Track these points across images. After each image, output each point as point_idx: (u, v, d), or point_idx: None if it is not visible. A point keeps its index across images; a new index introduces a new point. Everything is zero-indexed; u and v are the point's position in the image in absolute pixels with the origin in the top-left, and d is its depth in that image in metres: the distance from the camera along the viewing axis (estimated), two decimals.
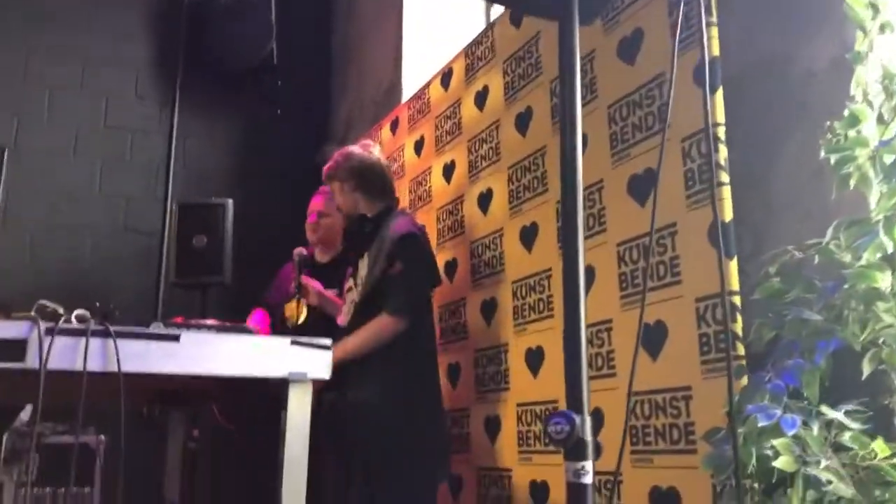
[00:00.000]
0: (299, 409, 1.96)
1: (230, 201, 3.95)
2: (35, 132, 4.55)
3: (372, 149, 3.05)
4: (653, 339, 2.10)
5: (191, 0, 4.86)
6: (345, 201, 2.96)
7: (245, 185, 4.79)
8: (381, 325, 2.68)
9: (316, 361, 1.95)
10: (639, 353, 2.08)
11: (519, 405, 2.68)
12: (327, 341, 1.97)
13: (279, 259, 3.42)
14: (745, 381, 1.69)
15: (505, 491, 2.70)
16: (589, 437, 1.04)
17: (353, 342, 2.69)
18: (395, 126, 3.99)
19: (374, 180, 2.93)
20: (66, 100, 4.64)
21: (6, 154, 4.41)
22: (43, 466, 3.65)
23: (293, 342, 1.95)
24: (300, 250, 3.16)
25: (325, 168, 3.01)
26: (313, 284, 3.10)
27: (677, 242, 2.09)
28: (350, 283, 2.95)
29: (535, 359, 2.62)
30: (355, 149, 3.03)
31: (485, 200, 3.06)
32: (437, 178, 3.45)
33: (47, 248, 4.45)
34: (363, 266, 2.86)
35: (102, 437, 3.87)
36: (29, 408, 3.65)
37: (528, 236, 2.76)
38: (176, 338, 1.79)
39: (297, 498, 1.93)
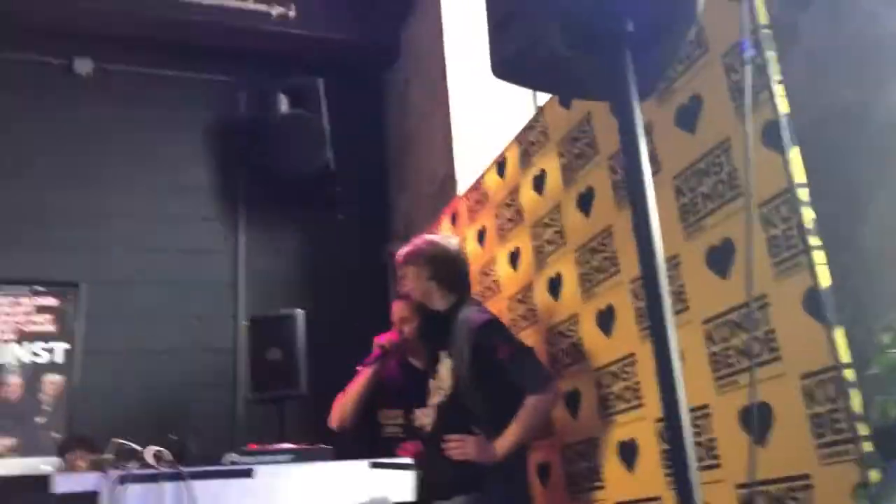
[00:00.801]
0: None
1: (301, 311, 3.94)
2: (108, 262, 4.66)
3: (451, 239, 3.01)
4: (757, 423, 1.92)
5: (246, 118, 4.99)
6: (417, 287, 2.85)
7: (314, 293, 4.79)
8: (535, 405, 2.49)
9: (398, 483, 1.85)
10: (746, 439, 1.90)
11: None
12: (408, 461, 1.88)
13: (355, 365, 3.32)
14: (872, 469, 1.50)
15: None
16: None
17: (519, 430, 2.49)
18: (454, 218, 3.94)
19: (450, 271, 2.83)
20: (136, 228, 4.76)
21: (83, 288, 4.56)
22: None
23: (373, 465, 1.86)
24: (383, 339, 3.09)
25: (405, 252, 2.90)
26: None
27: (771, 315, 1.93)
28: (431, 385, 2.83)
29: (628, 453, 2.45)
30: (436, 237, 3.00)
31: (555, 285, 2.95)
32: (503, 266, 3.37)
33: (127, 374, 4.49)
34: (443, 367, 2.75)
35: None
36: None
37: (606, 320, 2.63)
38: (248, 473, 1.72)
39: None
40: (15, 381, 4.36)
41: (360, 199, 5.14)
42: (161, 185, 4.88)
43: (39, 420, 4.33)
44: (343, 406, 3.12)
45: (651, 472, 2.32)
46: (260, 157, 4.83)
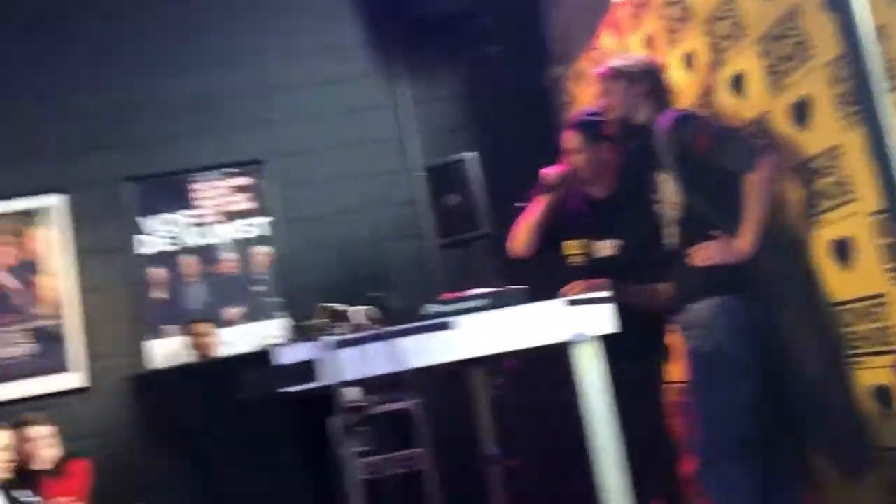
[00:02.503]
0: (590, 368, 1.86)
1: (472, 154, 3.93)
2: (283, 134, 4.86)
3: (642, 55, 2.86)
4: None
5: None
6: (623, 102, 2.67)
7: (482, 133, 4.75)
8: (755, 183, 2.31)
9: (596, 317, 1.84)
10: None
11: None
12: (606, 294, 1.85)
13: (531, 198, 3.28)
14: None
15: None
16: None
17: (753, 216, 2.32)
18: (615, 29, 3.66)
19: (656, 82, 2.68)
20: (301, 97, 4.89)
21: (264, 166, 4.81)
22: (375, 436, 4.00)
23: (571, 302, 1.85)
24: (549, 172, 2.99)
25: (611, 66, 2.73)
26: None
27: None
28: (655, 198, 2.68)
29: (842, 250, 2.27)
30: (628, 53, 2.84)
31: (738, 83, 2.69)
32: (677, 71, 3.11)
33: (324, 237, 4.77)
34: (662, 183, 2.62)
35: (417, 400, 4.13)
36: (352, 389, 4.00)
37: (801, 113, 2.37)
38: (447, 326, 1.77)
39: (609, 455, 1.85)
40: (230, 257, 4.77)
41: (511, 29, 4.91)
42: (317, 50, 4.92)
43: (257, 289, 4.76)
44: (520, 233, 3.11)
45: (870, 270, 2.15)
46: (408, 3, 4.71)
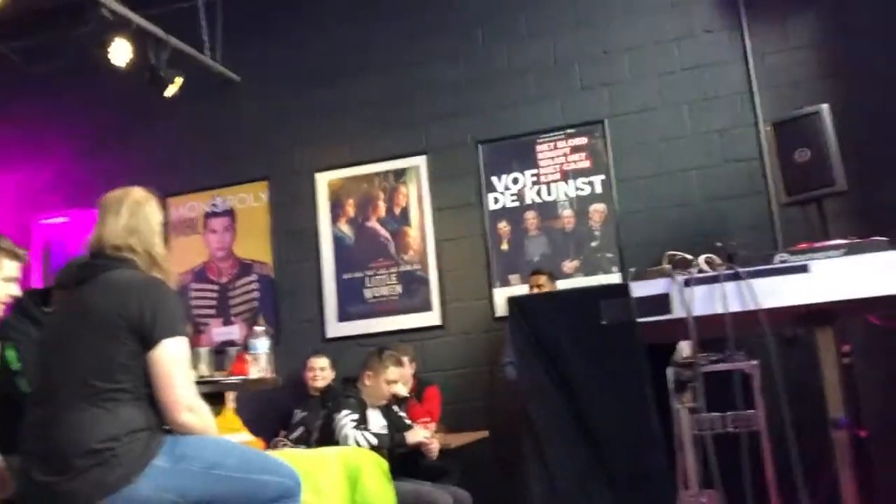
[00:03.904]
0: None
1: (825, 106, 3.70)
2: (624, 94, 4.97)
3: None
4: None
5: None
6: None
7: (836, 84, 4.42)
8: None
9: None
10: None
11: None
12: None
13: None
14: None
15: None
16: None
17: None
18: None
19: None
20: (642, 57, 4.95)
21: (607, 123, 4.97)
22: (707, 392, 4.00)
23: None
24: None
25: None
26: None
27: None
28: None
29: None
30: None
31: None
32: None
33: (660, 195, 4.83)
34: None
35: (755, 361, 4.04)
36: (684, 344, 4.04)
37: None
38: (804, 268, 1.78)
39: None
40: (567, 213, 5.04)
41: None
42: (660, 6, 4.95)
43: (593, 244, 4.97)
44: None
45: None
46: None
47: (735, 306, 1.77)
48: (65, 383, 2.08)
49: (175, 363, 2.14)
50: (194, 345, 5.15)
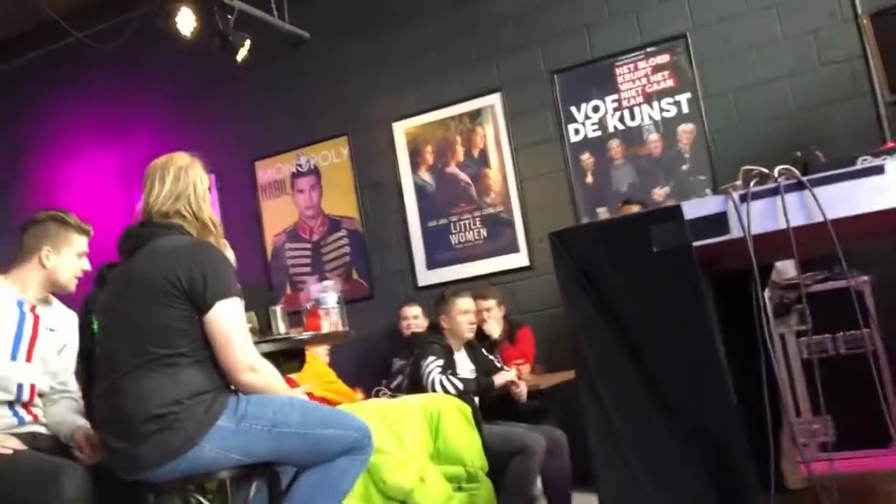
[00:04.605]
0: None
1: None
2: (705, 3, 4.60)
3: None
4: None
5: None
6: None
7: None
8: None
9: None
10: None
11: None
12: None
13: None
14: None
15: None
16: None
17: None
18: None
19: None
20: None
21: (686, 40, 4.63)
22: (813, 314, 3.73)
23: None
24: None
25: None
26: None
27: None
28: None
29: None
30: None
31: None
32: None
33: (752, 107, 4.49)
34: None
35: (865, 277, 3.72)
36: (782, 264, 3.77)
37: None
38: (880, 169, 1.56)
39: None
40: (654, 138, 4.77)
41: None
42: None
43: (683, 168, 4.69)
44: None
45: None
46: None
47: (798, 220, 1.58)
48: (125, 352, 2.13)
49: (231, 325, 2.15)
50: (293, 303, 5.37)
